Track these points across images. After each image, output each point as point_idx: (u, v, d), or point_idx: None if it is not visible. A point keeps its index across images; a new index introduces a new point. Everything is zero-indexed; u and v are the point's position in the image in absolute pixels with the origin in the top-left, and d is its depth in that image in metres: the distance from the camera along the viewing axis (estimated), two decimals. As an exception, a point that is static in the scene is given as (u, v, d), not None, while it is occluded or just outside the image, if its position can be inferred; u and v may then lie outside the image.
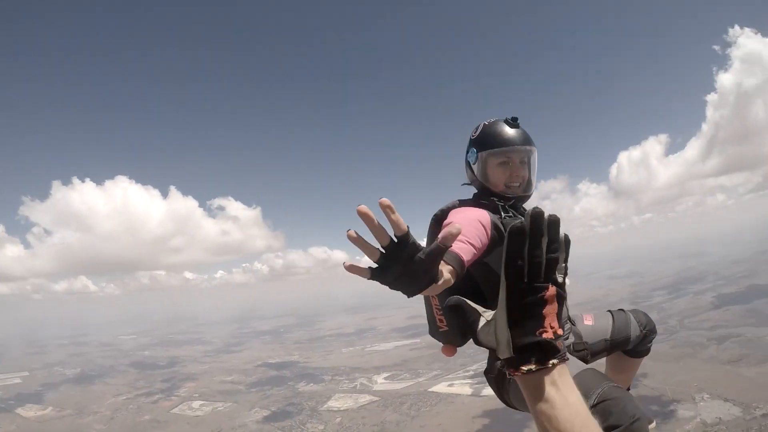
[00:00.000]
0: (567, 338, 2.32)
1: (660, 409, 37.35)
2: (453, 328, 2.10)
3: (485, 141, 2.32)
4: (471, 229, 1.74)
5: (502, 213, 2.19)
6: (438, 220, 2.17)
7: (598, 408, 1.84)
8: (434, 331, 2.27)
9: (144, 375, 58.55)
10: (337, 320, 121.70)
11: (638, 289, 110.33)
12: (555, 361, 1.13)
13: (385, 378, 55.42)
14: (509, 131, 2.29)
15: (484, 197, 2.33)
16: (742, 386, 38.14)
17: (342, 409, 44.01)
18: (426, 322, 2.32)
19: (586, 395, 1.66)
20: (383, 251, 1.22)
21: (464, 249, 1.54)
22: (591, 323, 2.54)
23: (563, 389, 1.11)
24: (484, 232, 1.83)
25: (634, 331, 2.56)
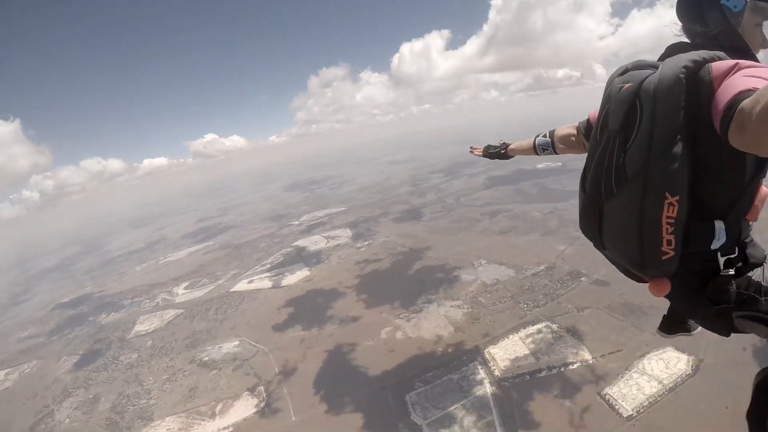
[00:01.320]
0: None
1: (445, 276, 41.09)
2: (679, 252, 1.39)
3: None
4: None
5: None
6: (694, 76, 1.31)
7: None
8: (650, 258, 1.39)
9: (-68, 366, 50.51)
10: (124, 237, 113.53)
11: (418, 172, 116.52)
12: None
13: (186, 288, 54.79)
14: None
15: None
16: (513, 252, 43.39)
17: (150, 330, 43.27)
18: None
19: None
20: None
21: None
22: None
23: None
24: None
25: None
